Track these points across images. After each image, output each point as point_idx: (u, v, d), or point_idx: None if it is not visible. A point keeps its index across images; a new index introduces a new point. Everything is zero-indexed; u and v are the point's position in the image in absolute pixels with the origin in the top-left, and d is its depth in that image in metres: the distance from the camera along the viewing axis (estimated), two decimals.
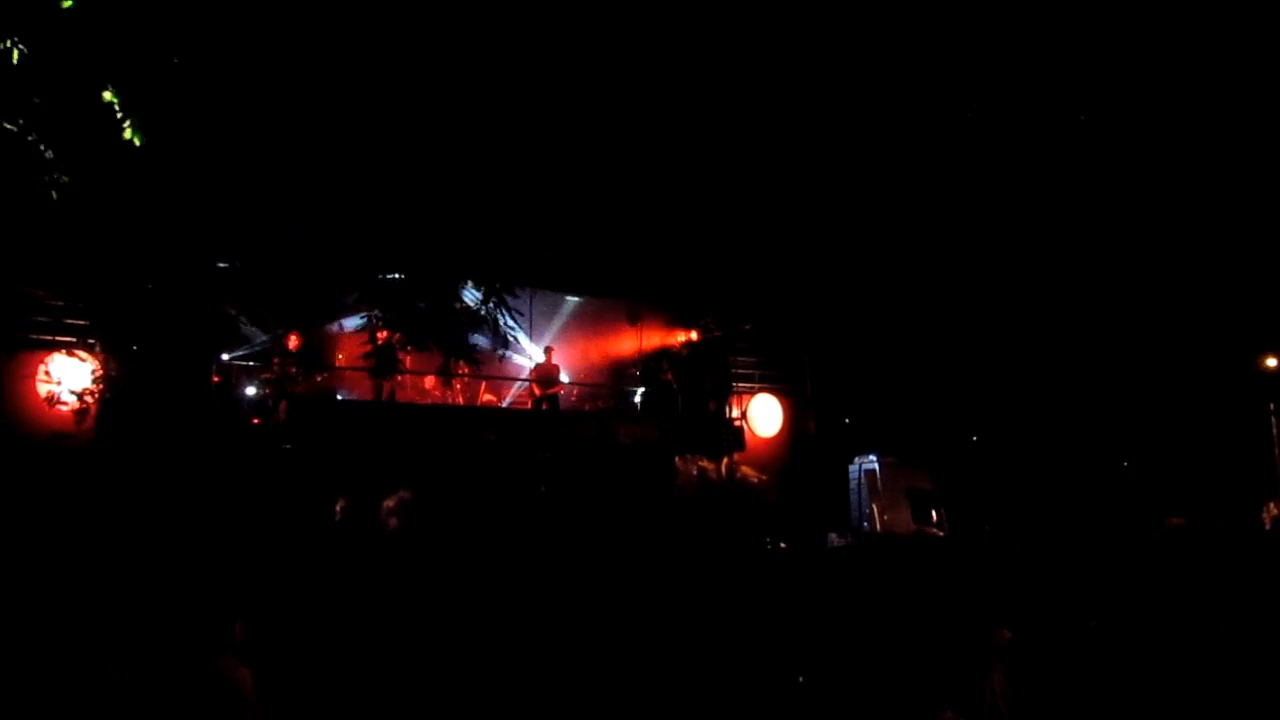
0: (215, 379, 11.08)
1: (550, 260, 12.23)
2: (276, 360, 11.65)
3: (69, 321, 10.56)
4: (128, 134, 6.39)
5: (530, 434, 12.33)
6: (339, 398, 12.41)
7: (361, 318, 10.67)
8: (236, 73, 7.75)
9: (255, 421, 10.99)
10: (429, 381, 13.35)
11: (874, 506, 13.98)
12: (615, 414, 14.14)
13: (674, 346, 15.01)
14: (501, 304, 10.66)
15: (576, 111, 10.42)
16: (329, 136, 8.89)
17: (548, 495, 10.93)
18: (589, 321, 15.00)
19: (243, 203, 8.98)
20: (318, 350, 12.27)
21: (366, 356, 10.81)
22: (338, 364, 12.49)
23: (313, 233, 9.52)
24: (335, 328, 12.40)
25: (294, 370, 11.66)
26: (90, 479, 8.64)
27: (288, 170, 8.93)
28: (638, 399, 14.71)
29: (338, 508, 9.01)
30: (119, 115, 6.17)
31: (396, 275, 10.56)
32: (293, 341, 11.89)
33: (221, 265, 9.96)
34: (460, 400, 13.65)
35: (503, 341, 10.87)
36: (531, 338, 14.00)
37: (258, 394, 11.40)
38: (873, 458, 14.36)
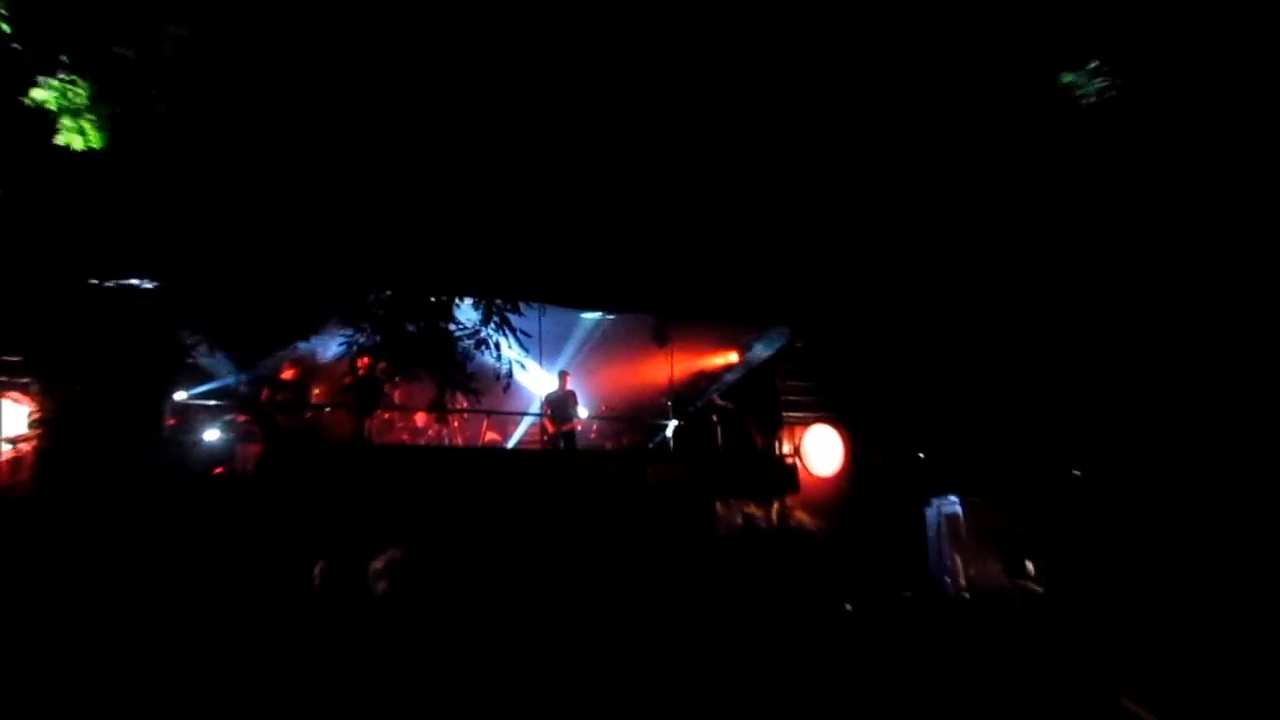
0: (170, 421, 11.26)
1: (562, 271, 12.28)
2: (266, 392, 11.95)
3: (2, 359, 10.61)
4: (67, 138, 6.41)
5: (543, 478, 12.34)
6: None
7: (340, 344, 10.73)
8: (194, 58, 8.08)
9: (217, 471, 11.08)
10: (421, 418, 13.71)
11: (956, 557, 13.81)
12: (643, 452, 14.46)
13: (711, 371, 15.32)
14: (505, 324, 10.95)
15: (589, 99, 10.58)
16: (299, 128, 9.20)
17: (564, 550, 10.94)
18: (610, 343, 15.24)
19: (200, 210, 9.30)
20: (306, 384, 12.56)
21: (346, 390, 11.11)
22: (313, 399, 12.66)
23: (281, 243, 9.85)
24: (319, 355, 12.71)
25: (283, 403, 11.94)
26: (25, 537, 8.82)
27: (251, 170, 9.26)
28: (669, 434, 14.84)
29: (316, 571, 8.97)
30: (54, 115, 6.21)
31: (380, 292, 10.85)
32: (287, 373, 12.15)
33: (174, 286, 10.30)
34: (459, 440, 14.01)
35: (508, 369, 10.89)
36: (542, 363, 14.28)
37: (225, 438, 11.59)
38: (954, 498, 14.16)
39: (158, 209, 9.24)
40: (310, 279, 10.59)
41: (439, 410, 11.56)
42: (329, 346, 11.67)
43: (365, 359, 11.02)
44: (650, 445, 15.01)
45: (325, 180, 9.77)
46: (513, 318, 11.05)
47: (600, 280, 13.15)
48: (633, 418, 15.59)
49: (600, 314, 14.73)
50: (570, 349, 15.26)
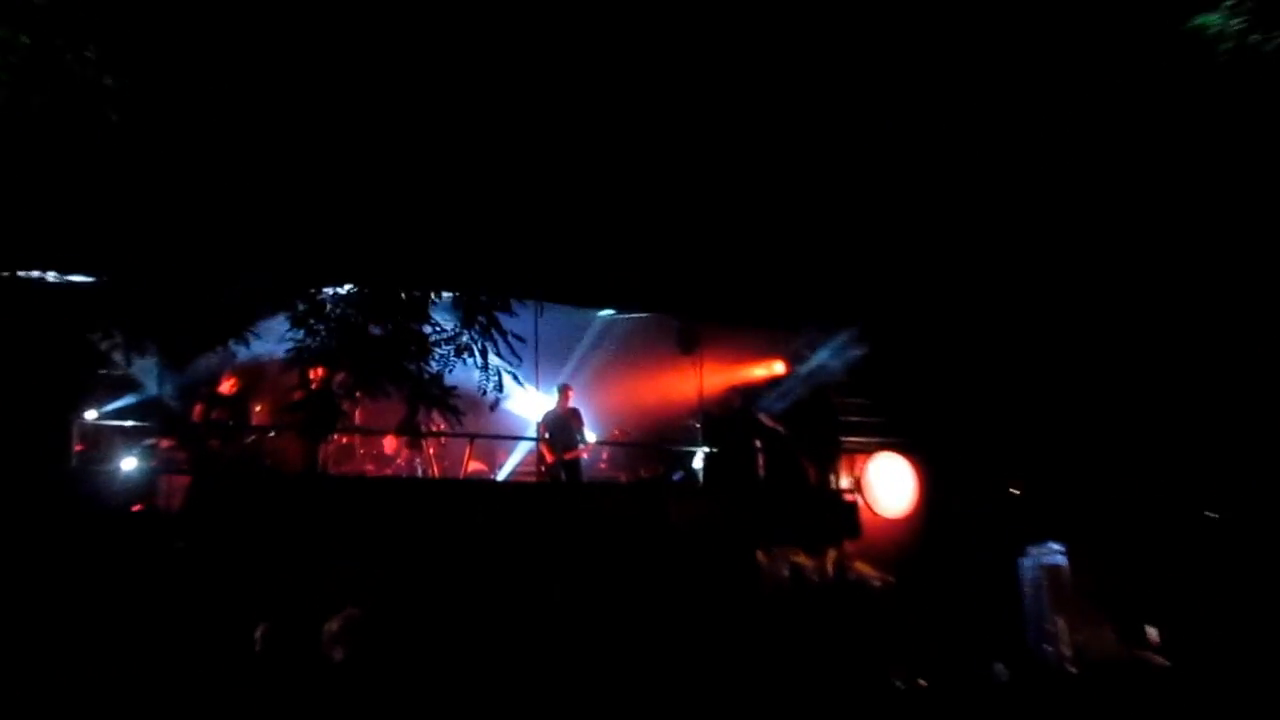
0: (77, 447, 11.31)
1: (564, 261, 12.35)
2: (199, 410, 12.07)
3: None
4: None
5: (539, 518, 12.33)
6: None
7: (288, 350, 10.42)
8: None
9: (136, 509, 11.14)
10: (389, 444, 13.84)
11: (1060, 621, 13.79)
12: (665, 486, 14.49)
13: (751, 385, 15.34)
14: (492, 326, 10.71)
15: (596, 67, 10.95)
16: (236, 92, 9.36)
17: (565, 609, 11.14)
18: (624, 350, 15.25)
19: (117, 187, 9.33)
20: (246, 400, 12.55)
21: (295, 407, 10.75)
22: (254, 418, 12.72)
23: (216, 222, 9.83)
24: (262, 364, 12.54)
25: (218, 424, 12.08)
26: None
27: (180, 137, 9.30)
28: (698, 463, 14.79)
29: (258, 634, 8.93)
30: None
31: (337, 288, 10.69)
32: (225, 385, 12.30)
33: (82, 280, 10.27)
34: (435, 470, 13.95)
35: (496, 382, 10.54)
36: (539, 376, 13.90)
37: (145, 467, 11.65)
38: (1056, 547, 14.15)
39: (63, 184, 9.28)
40: (249, 265, 10.56)
41: (410, 434, 11.10)
42: (274, 353, 11.28)
43: (319, 369, 10.67)
44: (674, 478, 15.07)
45: (269, 147, 9.91)
46: (503, 318, 10.74)
47: (611, 272, 13.26)
48: (652, 443, 15.68)
49: (611, 314, 14.76)
50: (574, 358, 15.24)
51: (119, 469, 11.61)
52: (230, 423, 12.28)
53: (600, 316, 14.90)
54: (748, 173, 12.17)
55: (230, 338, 10.94)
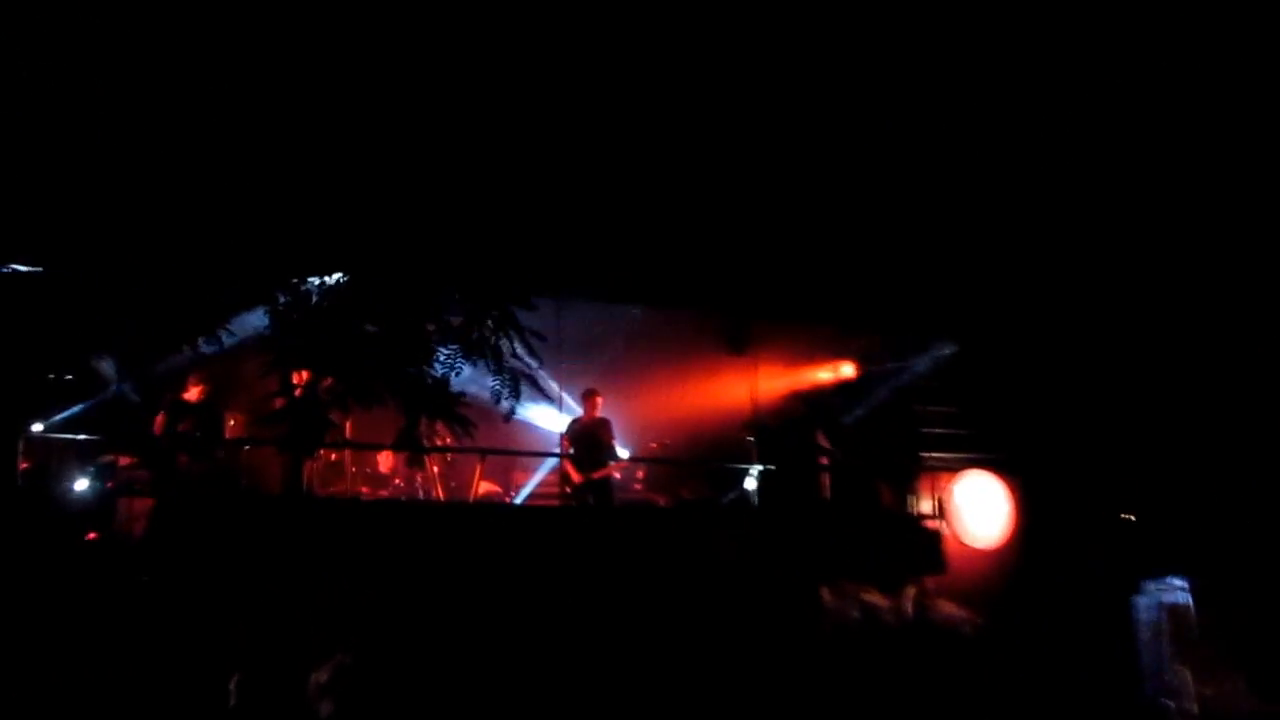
0: (22, 465, 11.39)
1: (589, 247, 12.58)
2: (162, 420, 12.28)
3: None
4: None
5: (562, 548, 12.23)
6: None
7: (267, 351, 11.00)
8: None
9: (90, 537, 11.20)
10: (385, 461, 13.96)
11: (1184, 670, 13.66)
12: (713, 511, 14.50)
13: (814, 391, 15.53)
14: (507, 322, 10.93)
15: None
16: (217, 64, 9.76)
17: (591, 656, 11.12)
18: (660, 349, 15.23)
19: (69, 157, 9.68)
20: (217, 409, 12.70)
21: (274, 418, 11.01)
22: (228, 431, 12.97)
23: (179, 201, 10.16)
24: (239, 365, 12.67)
25: (185, 437, 12.18)
26: None
27: (148, 110, 9.80)
28: (752, 483, 14.74)
29: (232, 685, 9.03)
30: None
31: (325, 277, 10.96)
32: (191, 391, 12.47)
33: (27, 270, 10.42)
34: (439, 493, 13.97)
35: (511, 388, 10.78)
36: (561, 381, 14.14)
37: (100, 488, 11.78)
38: (1178, 583, 13.99)
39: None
40: (221, 248, 10.85)
41: (410, 449, 11.59)
42: (251, 353, 11.69)
43: (303, 373, 10.95)
44: (724, 501, 15.01)
45: (245, 112, 10.28)
46: (519, 314, 11.07)
47: (647, 259, 13.43)
48: (697, 460, 15.68)
49: (647, 309, 14.77)
50: (603, 360, 15.29)
51: (70, 490, 11.73)
52: (198, 435, 12.37)
53: (633, 311, 14.98)
54: (812, 141, 12.56)
55: (199, 335, 11.12)
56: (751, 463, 14.92)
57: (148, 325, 11.19)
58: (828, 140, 12.30)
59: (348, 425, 12.50)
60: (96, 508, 11.61)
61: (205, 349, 11.18)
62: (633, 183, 12.29)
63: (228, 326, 11.08)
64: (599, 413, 14.18)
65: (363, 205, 10.90)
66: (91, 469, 11.91)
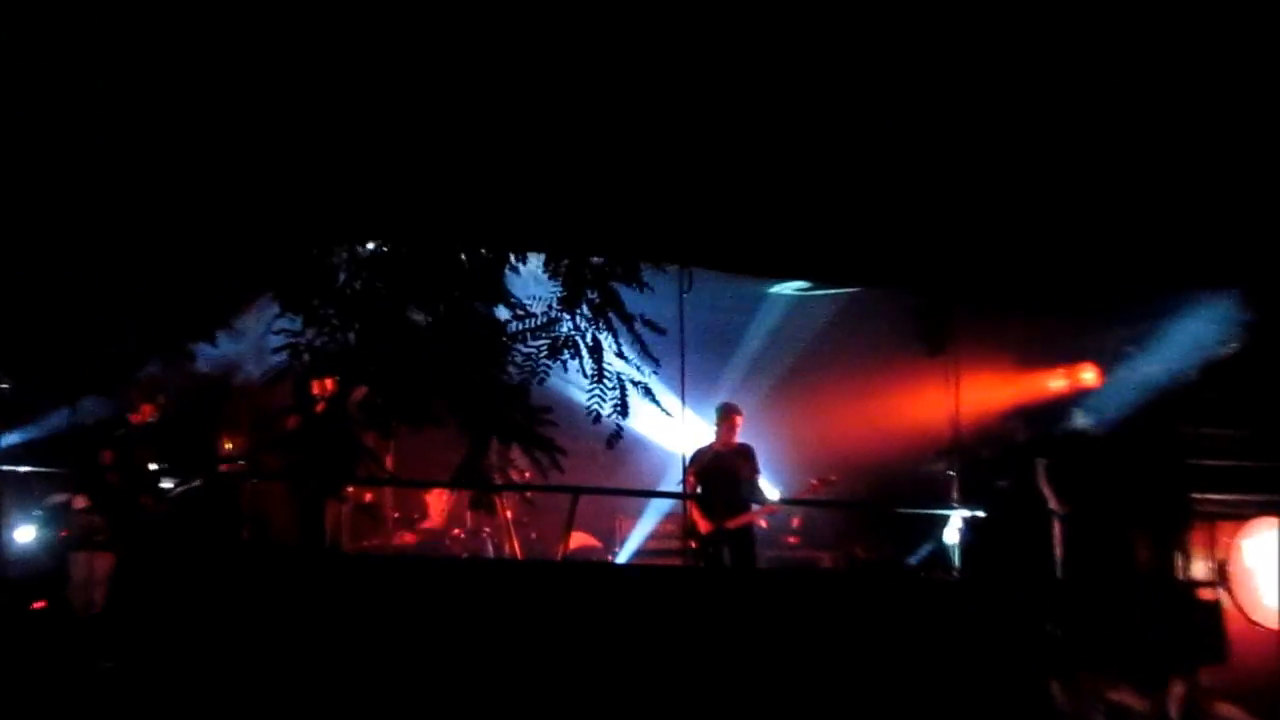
0: None
1: (724, 204, 10.13)
2: (109, 457, 11.54)
3: None
4: None
5: (687, 625, 10.64)
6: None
7: (277, 347, 9.13)
8: None
9: (37, 606, 10.51)
10: (438, 504, 13.14)
11: None
12: (898, 575, 13.21)
13: (1037, 404, 13.76)
14: (609, 307, 9.27)
15: None
16: None
17: None
18: (824, 348, 14.34)
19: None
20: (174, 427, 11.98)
21: (283, 444, 10.05)
22: (225, 454, 12.31)
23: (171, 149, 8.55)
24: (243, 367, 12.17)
25: (136, 472, 11.41)
26: None
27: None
28: (952, 536, 13.29)
29: None
30: None
31: (358, 247, 9.52)
32: (143, 409, 11.70)
33: None
34: (514, 547, 12.98)
35: (615, 400, 9.02)
36: (685, 391, 12.58)
37: (48, 537, 11.14)
38: None
39: None
40: (220, 217, 9.04)
41: (475, 486, 10.07)
42: (257, 352, 10.77)
43: (326, 381, 9.89)
44: (913, 561, 13.57)
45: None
46: (626, 295, 9.35)
47: (802, 222, 10.68)
48: (876, 503, 14.34)
49: (802, 288, 13.88)
50: (742, 362, 14.35)
51: (11, 542, 11.14)
52: (159, 466, 11.44)
53: (784, 293, 14.12)
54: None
55: (188, 342, 10.17)
56: (952, 507, 13.35)
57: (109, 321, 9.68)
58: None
59: (388, 454, 11.30)
60: (45, 566, 10.86)
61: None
62: (783, 117, 9.31)
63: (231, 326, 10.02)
64: (738, 437, 12.87)
65: (407, 148, 8.80)
66: (38, 514, 11.12)
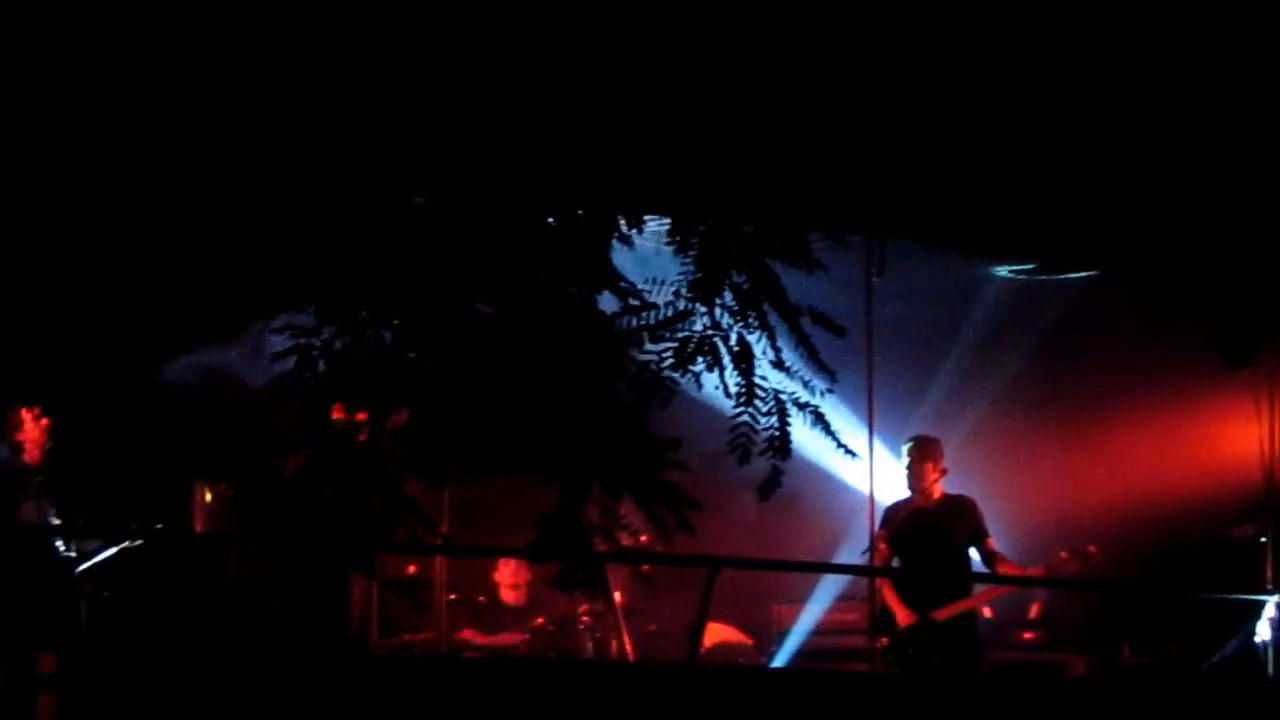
0: None
1: (926, 160, 8.24)
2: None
3: None
4: None
5: None
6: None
7: (277, 357, 7.19)
8: None
9: None
10: (513, 579, 11.32)
11: None
12: (1187, 685, 11.09)
13: None
14: (764, 295, 7.13)
15: None
16: None
17: None
18: (1070, 356, 12.93)
19: None
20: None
21: (289, 493, 8.68)
22: (199, 515, 10.48)
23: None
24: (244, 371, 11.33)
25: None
26: None
27: None
28: (1265, 631, 10.31)
29: None
30: None
31: (395, 200, 7.71)
32: (28, 429, 10.13)
33: None
34: (624, 640, 11.05)
35: (773, 430, 6.90)
36: (873, 419, 11.25)
37: None
38: None
39: None
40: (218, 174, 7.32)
41: (567, 556, 7.58)
42: (254, 356, 9.70)
43: (360, 415, 8.01)
44: (1210, 665, 11.28)
45: None
46: (789, 279, 7.19)
47: (1042, 187, 8.84)
48: (1153, 585, 12.56)
49: (1035, 274, 12.68)
50: (949, 377, 12.85)
51: None
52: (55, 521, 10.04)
53: (1010, 275, 12.71)
54: None
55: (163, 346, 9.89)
56: (1266, 591, 10.63)
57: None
58: None
59: (443, 507, 9.73)
60: None
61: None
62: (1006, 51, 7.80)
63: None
64: (939, 482, 10.62)
65: (471, 66, 7.12)
66: None
